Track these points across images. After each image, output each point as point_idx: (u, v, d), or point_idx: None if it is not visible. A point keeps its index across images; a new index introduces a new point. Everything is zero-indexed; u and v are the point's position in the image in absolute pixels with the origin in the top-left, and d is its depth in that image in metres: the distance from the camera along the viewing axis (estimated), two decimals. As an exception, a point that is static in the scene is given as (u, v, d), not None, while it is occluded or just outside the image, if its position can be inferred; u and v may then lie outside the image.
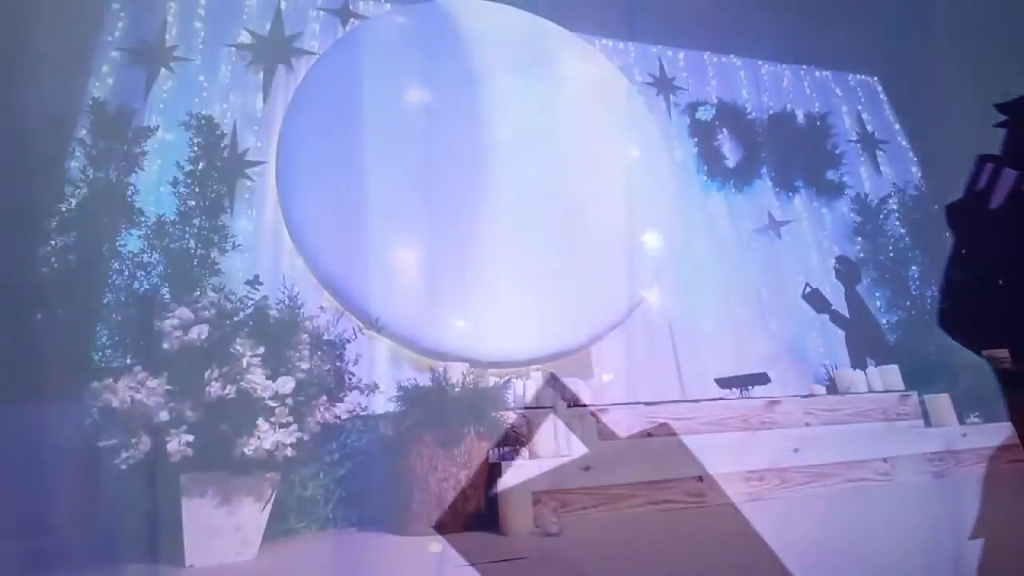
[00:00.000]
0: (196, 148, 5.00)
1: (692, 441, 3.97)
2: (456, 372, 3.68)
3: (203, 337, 2.90)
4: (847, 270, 7.06)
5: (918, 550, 2.43)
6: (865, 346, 6.53)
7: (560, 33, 7.13)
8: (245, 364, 2.90)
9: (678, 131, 7.62)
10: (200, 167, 4.98)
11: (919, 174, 8.32)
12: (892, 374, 5.32)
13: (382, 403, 3.79)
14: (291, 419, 2.95)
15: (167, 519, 2.86)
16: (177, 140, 5.18)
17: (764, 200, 7.59)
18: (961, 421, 4.90)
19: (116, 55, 5.67)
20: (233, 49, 6.12)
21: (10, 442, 3.42)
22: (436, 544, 2.99)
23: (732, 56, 8.33)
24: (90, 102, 4.91)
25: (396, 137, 5.84)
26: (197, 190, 4.91)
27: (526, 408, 4.01)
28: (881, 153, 8.50)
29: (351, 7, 6.70)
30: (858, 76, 9.02)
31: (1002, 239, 1.14)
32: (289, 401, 2.96)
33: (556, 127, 6.45)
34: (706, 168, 7.46)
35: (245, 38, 6.17)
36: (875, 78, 9.11)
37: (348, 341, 3.44)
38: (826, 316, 6.74)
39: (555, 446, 3.75)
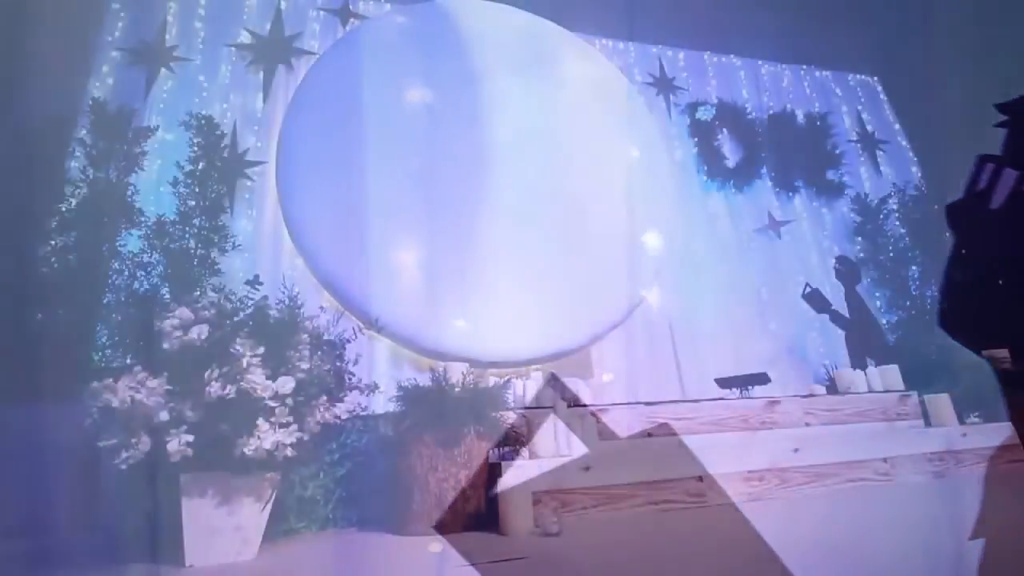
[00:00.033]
0: (196, 148, 5.00)
1: (692, 441, 3.97)
2: (456, 372, 3.68)
3: (203, 337, 2.89)
4: (847, 270, 7.06)
5: (918, 550, 2.43)
6: (865, 346, 6.53)
7: (560, 33, 7.13)
8: (245, 364, 2.90)
9: (678, 131, 7.63)
10: (200, 167, 4.98)
11: (919, 174, 8.32)
12: (892, 374, 5.32)
13: (382, 403, 3.79)
14: (291, 419, 2.94)
15: (167, 519, 2.86)
16: (177, 140, 5.18)
17: (764, 200, 7.59)
18: (961, 421, 4.90)
19: (116, 55, 5.68)
20: (233, 49, 6.12)
21: (10, 442, 3.43)
22: (436, 544, 2.99)
23: (732, 56, 8.33)
24: (90, 102, 4.91)
25: (396, 137, 5.84)
26: (197, 190, 4.91)
27: (526, 408, 4.01)
28: (881, 153, 8.51)
29: (351, 7, 6.70)
30: (858, 76, 9.03)
31: (1003, 239, 1.14)
32: (289, 401, 2.96)
33: (556, 127, 6.45)
34: (706, 168, 7.46)
35: (245, 38, 6.17)
36: (875, 78, 9.11)
37: (348, 341, 3.44)
38: (826, 316, 6.74)
39: (555, 446, 3.75)
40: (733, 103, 7.88)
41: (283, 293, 3.27)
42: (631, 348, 6.18)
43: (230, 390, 2.82)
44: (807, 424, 4.72)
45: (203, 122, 5.07)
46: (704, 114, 7.68)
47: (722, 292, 6.71)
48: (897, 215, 7.57)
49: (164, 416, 2.76)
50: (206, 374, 2.84)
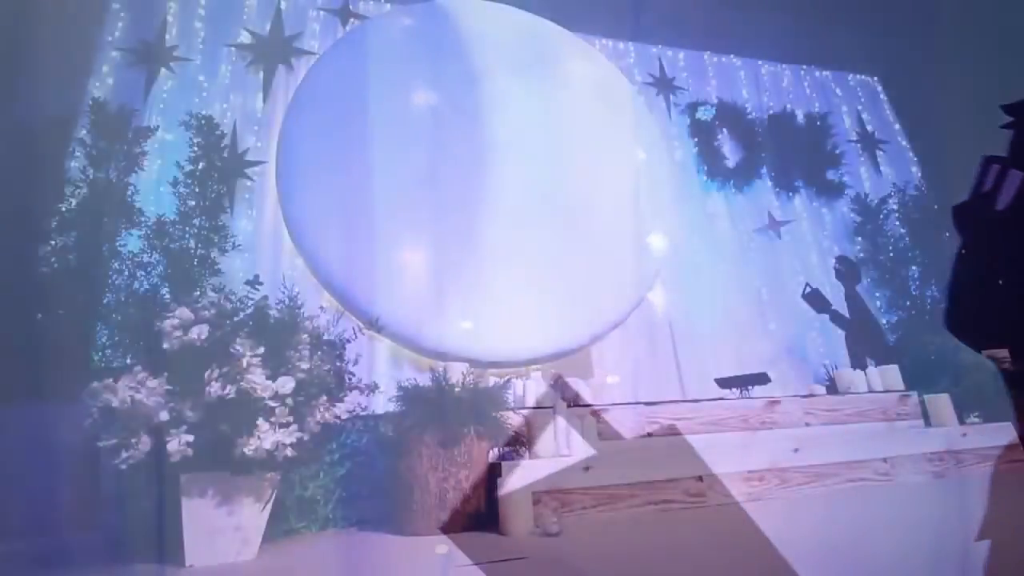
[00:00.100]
0: (196, 148, 5.00)
1: (692, 441, 3.97)
2: (456, 372, 3.68)
3: (203, 337, 2.89)
4: (847, 270, 7.06)
5: (918, 550, 2.43)
6: (865, 346, 6.53)
7: (560, 33, 7.13)
8: (245, 364, 2.90)
9: (678, 131, 7.63)
10: (200, 167, 4.98)
11: (919, 174, 8.32)
12: (892, 374, 5.31)
13: (382, 403, 3.78)
14: (291, 419, 2.94)
15: (167, 519, 2.86)
16: (177, 140, 5.18)
17: (764, 200, 7.59)
18: (961, 421, 4.90)
19: (116, 55, 5.68)
20: (233, 49, 6.12)
21: (10, 442, 3.43)
22: (442, 546, 2.98)
23: (732, 56, 8.33)
24: (90, 102, 4.91)
25: (396, 137, 5.84)
26: (197, 190, 4.91)
27: (526, 408, 4.01)
28: (881, 153, 8.51)
29: (351, 7, 6.70)
30: (858, 76, 9.03)
31: (1008, 240, 1.14)
32: (289, 401, 2.95)
33: (556, 127, 6.45)
34: (706, 168, 7.46)
35: (245, 38, 6.17)
36: (875, 78, 9.12)
37: (348, 341, 3.44)
38: (826, 316, 6.74)
39: (555, 446, 3.75)
40: (733, 103, 7.88)
41: (283, 293, 3.27)
42: (631, 348, 6.18)
43: (230, 390, 2.82)
44: (807, 424, 4.72)
45: (203, 122, 5.07)
46: (704, 114, 7.68)
47: (722, 292, 6.71)
48: (897, 215, 7.57)
49: (164, 416, 2.76)
50: (206, 374, 2.84)
